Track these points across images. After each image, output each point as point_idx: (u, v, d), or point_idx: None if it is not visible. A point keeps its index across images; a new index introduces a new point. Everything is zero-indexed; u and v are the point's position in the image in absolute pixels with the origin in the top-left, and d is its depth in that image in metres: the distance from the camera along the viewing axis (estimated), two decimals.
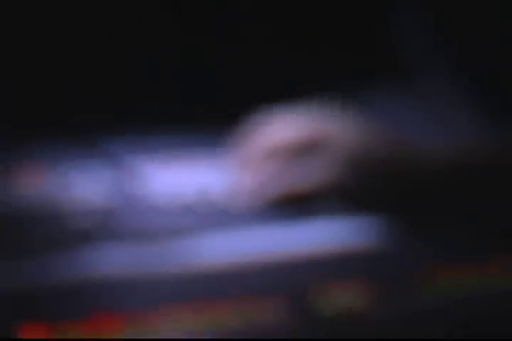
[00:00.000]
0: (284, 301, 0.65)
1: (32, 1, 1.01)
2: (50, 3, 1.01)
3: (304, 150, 0.81)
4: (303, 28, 1.08)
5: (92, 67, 0.96)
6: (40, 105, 0.90)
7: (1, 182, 0.79)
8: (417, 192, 0.81)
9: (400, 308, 0.67)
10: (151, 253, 0.70)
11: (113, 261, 0.68)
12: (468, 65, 1.06)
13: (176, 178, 0.82)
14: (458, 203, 0.80)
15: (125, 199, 0.77)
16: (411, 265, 0.71)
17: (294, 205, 0.80)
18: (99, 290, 0.65)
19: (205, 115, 0.93)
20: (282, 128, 0.83)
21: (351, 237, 0.75)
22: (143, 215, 0.76)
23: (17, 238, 0.70)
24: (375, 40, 1.08)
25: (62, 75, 0.95)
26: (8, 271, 0.65)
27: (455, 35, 1.07)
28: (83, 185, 0.79)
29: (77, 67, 0.96)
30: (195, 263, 0.69)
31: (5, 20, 0.98)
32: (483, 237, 0.75)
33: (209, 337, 0.62)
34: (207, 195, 0.80)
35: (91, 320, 0.61)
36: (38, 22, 1.00)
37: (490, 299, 0.69)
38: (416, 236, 0.75)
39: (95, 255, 0.68)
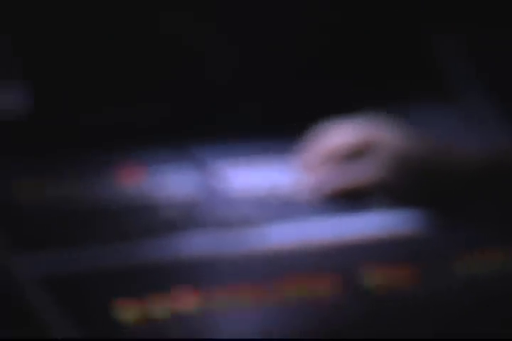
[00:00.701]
0: (337, 279, 0.74)
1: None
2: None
3: (357, 153, 0.93)
4: (357, 50, 1.17)
5: (183, 85, 1.09)
6: (142, 119, 1.03)
7: (107, 180, 0.89)
8: (455, 188, 0.92)
9: (438, 286, 0.75)
10: (228, 239, 0.79)
11: (196, 245, 0.78)
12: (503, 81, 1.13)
13: (251, 177, 0.93)
14: (490, 197, 0.91)
15: (208, 194, 0.88)
16: (448, 248, 0.80)
17: (348, 199, 0.92)
18: (183, 269, 0.74)
19: (279, 125, 1.05)
20: (339, 134, 0.95)
21: (397, 225, 0.85)
22: (222, 207, 0.86)
23: (119, 225, 0.80)
24: (421, 59, 1.16)
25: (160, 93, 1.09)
26: (110, 252, 0.74)
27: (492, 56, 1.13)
28: (174, 183, 0.89)
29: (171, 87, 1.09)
30: (265, 247, 0.78)
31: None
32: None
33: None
34: (278, 191, 0.91)
35: (174, 294, 0.69)
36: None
37: None
38: (451, 223, 0.85)
39: (181, 240, 0.78)
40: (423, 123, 1.09)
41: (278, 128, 1.04)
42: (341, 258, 0.78)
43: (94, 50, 1.09)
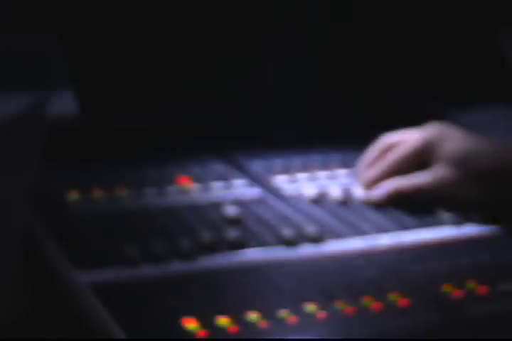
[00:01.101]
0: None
1: None
2: None
3: (418, 155, 0.95)
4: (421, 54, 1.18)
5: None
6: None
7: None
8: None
9: None
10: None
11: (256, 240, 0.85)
12: None
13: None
14: None
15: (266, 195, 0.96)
16: None
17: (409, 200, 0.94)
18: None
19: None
20: (400, 136, 0.98)
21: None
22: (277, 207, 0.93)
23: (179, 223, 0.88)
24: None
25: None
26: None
27: None
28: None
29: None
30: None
31: None
32: None
33: None
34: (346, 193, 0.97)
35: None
36: None
37: None
38: None
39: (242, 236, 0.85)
40: (491, 126, 1.11)
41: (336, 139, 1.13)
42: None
43: (146, 60, 1.12)
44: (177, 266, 0.79)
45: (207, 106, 1.15)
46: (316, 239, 0.84)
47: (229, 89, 1.16)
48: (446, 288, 0.76)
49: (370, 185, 0.97)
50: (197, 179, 1.00)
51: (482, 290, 0.76)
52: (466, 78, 1.18)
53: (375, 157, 0.99)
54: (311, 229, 0.85)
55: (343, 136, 1.14)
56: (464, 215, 0.90)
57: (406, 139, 0.98)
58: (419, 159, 0.96)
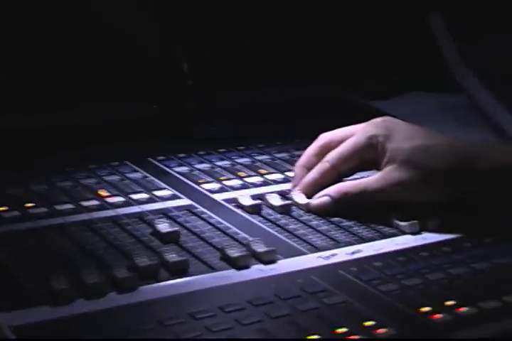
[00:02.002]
0: None
1: None
2: None
3: (361, 154, 0.85)
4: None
5: None
6: None
7: None
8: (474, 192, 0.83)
9: None
10: None
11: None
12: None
13: None
14: None
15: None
16: None
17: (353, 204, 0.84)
18: None
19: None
20: (340, 133, 0.88)
21: None
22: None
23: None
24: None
25: None
26: None
27: None
28: None
29: None
30: None
31: None
32: None
33: None
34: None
35: None
36: None
37: None
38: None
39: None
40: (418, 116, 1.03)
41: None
42: None
43: None
44: (114, 299, 0.68)
45: (119, 108, 1.04)
46: (268, 259, 0.75)
47: (146, 89, 1.05)
48: (424, 311, 0.68)
49: (311, 189, 0.88)
50: (115, 190, 0.88)
51: (462, 310, 0.68)
52: (392, 69, 1.12)
53: (313, 157, 0.89)
54: (260, 247, 0.75)
55: (268, 135, 1.05)
56: (421, 221, 0.82)
57: (347, 137, 0.88)
58: (362, 158, 0.86)
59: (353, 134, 0.87)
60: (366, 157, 0.86)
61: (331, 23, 1.16)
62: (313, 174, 0.88)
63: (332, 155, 0.87)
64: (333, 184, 0.86)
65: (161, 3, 1.08)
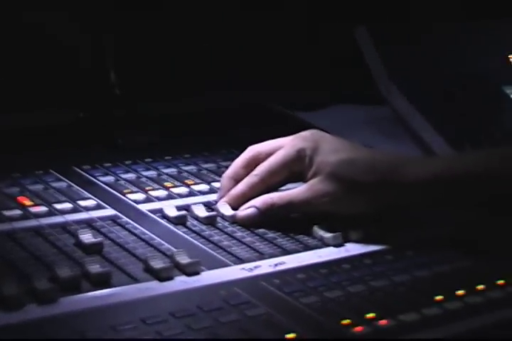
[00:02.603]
0: None
1: None
2: None
3: (289, 167, 0.86)
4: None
5: None
6: None
7: None
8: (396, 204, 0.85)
9: None
10: None
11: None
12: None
13: None
14: None
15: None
16: None
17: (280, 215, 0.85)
18: None
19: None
20: (269, 146, 0.89)
21: None
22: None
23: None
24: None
25: None
26: None
27: None
28: None
29: None
30: None
31: None
32: None
33: None
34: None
35: None
36: None
37: None
38: None
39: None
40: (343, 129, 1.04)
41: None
42: None
43: None
44: (34, 311, 0.67)
45: (45, 115, 1.03)
46: (191, 271, 0.74)
47: (72, 97, 1.04)
48: (345, 323, 0.68)
49: (238, 201, 0.88)
50: (39, 199, 0.87)
51: (383, 322, 0.69)
52: (318, 80, 1.13)
53: (241, 169, 0.89)
54: (183, 258, 0.75)
55: (195, 144, 1.05)
56: (344, 233, 0.83)
57: (275, 149, 0.88)
58: (290, 171, 0.87)
59: (281, 147, 0.88)
60: (294, 169, 0.87)
61: (257, 32, 1.17)
62: (241, 186, 0.88)
63: (261, 169, 0.87)
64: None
65: (93, 14, 1.07)
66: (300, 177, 0.87)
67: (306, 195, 0.85)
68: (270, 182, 0.87)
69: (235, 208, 0.87)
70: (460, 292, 0.74)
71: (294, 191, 0.86)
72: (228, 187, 0.89)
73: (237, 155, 0.91)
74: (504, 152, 0.87)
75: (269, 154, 0.88)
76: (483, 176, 0.84)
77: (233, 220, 0.86)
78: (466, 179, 0.84)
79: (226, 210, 0.87)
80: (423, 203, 0.86)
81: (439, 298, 0.72)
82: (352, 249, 0.81)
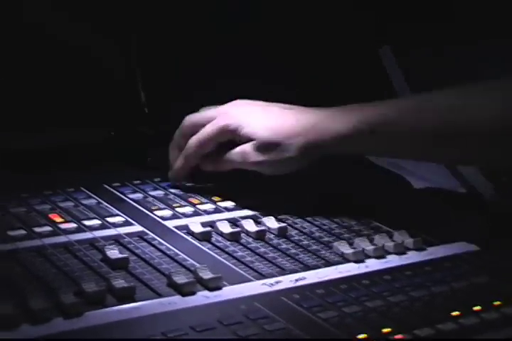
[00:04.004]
0: None
1: None
2: None
3: (213, 140, 0.96)
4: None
5: None
6: None
7: None
8: None
9: None
10: None
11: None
12: None
13: None
14: None
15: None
16: None
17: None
18: None
19: None
20: (202, 116, 0.98)
21: None
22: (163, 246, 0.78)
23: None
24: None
25: None
26: None
27: None
28: None
29: None
30: None
31: None
32: None
33: None
34: None
35: None
36: None
37: None
38: None
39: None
40: None
41: None
42: None
43: None
44: (61, 325, 0.69)
45: (76, 134, 1.06)
46: (213, 286, 0.77)
47: (102, 116, 1.08)
48: (362, 338, 0.70)
49: (181, 173, 0.99)
50: (69, 216, 0.90)
51: (399, 337, 0.70)
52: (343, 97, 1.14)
53: (181, 139, 0.99)
54: (206, 274, 0.77)
55: None
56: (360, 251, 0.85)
57: (208, 121, 0.97)
58: (218, 142, 0.96)
59: (212, 117, 0.97)
60: (222, 141, 0.96)
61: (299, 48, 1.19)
62: (179, 160, 0.99)
63: (192, 143, 0.97)
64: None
65: (124, 37, 1.11)
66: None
67: (238, 162, 0.95)
68: (202, 153, 0.97)
69: (181, 179, 0.99)
70: (477, 308, 0.75)
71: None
72: (175, 158, 0.99)
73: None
74: (421, 104, 0.91)
75: (202, 125, 0.97)
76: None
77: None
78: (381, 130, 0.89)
79: (250, 227, 0.89)
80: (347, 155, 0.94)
81: (455, 313, 0.74)
82: (372, 264, 0.83)
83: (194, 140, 0.97)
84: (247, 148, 0.94)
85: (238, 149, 0.94)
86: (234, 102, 0.98)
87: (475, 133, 0.87)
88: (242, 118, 0.94)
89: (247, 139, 0.93)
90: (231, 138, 0.95)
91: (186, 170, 0.98)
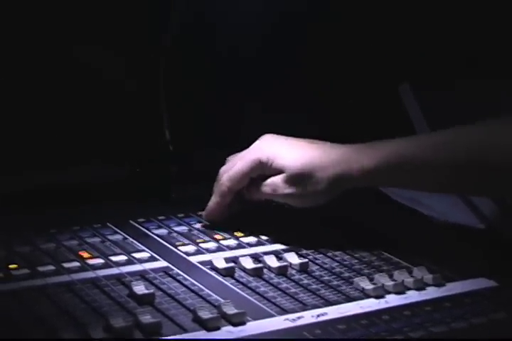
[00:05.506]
0: None
1: None
2: None
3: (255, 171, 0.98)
4: None
5: None
6: None
7: None
8: None
9: None
10: None
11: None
12: None
13: None
14: None
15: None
16: None
17: None
18: None
19: None
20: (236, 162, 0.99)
21: None
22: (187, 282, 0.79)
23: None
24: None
25: None
26: None
27: None
28: None
29: None
30: None
31: None
32: None
33: None
34: None
35: None
36: None
37: None
38: None
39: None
40: None
41: None
42: None
43: None
44: None
45: (96, 168, 1.08)
46: (237, 321, 0.79)
47: (128, 153, 1.11)
48: None
49: (214, 211, 1.01)
50: (96, 252, 0.92)
51: None
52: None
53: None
54: (230, 309, 0.79)
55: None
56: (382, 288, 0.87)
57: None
58: (255, 173, 0.98)
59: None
60: (254, 175, 0.98)
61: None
62: (213, 198, 1.01)
63: (224, 179, 0.99)
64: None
65: (149, 76, 1.14)
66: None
67: (268, 193, 0.98)
68: (236, 189, 0.99)
69: (216, 218, 1.01)
70: None
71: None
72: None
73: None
74: (436, 138, 0.94)
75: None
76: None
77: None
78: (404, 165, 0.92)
79: (272, 262, 0.91)
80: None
81: None
82: (392, 300, 0.85)
83: (226, 176, 0.99)
84: (277, 180, 0.96)
85: (269, 181, 0.97)
86: (263, 137, 1.00)
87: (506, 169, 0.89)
88: (272, 152, 0.97)
89: (278, 172, 0.96)
90: (261, 172, 0.97)
91: (221, 208, 1.00)
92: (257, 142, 1.00)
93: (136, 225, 1.01)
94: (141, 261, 0.90)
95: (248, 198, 1.00)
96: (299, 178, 0.95)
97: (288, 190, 0.95)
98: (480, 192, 0.95)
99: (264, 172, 0.97)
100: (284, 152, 0.96)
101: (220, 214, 1.00)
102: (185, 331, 0.77)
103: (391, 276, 0.88)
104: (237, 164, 0.99)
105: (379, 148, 0.93)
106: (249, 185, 0.99)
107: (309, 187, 0.94)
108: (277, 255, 0.93)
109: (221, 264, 0.89)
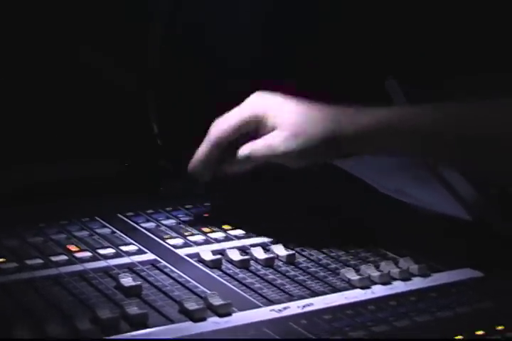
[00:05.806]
0: None
1: None
2: None
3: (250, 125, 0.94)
4: None
5: None
6: None
7: None
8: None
9: None
10: None
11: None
12: None
13: None
14: None
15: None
16: None
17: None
18: None
19: None
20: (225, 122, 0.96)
21: None
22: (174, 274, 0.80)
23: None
24: None
25: None
26: None
27: None
28: None
29: None
30: None
31: None
32: None
33: None
34: None
35: None
36: None
37: None
38: None
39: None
40: None
41: None
42: None
43: None
44: None
45: (91, 165, 1.09)
46: (223, 312, 0.79)
47: (117, 147, 1.11)
48: None
49: (199, 167, 0.96)
50: (84, 245, 0.93)
51: None
52: None
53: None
54: (216, 300, 0.80)
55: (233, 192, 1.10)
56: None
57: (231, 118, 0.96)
58: (247, 129, 0.95)
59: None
60: (244, 131, 0.95)
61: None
62: (200, 149, 0.96)
63: (215, 131, 0.96)
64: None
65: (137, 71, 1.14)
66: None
67: (266, 155, 0.93)
68: (224, 142, 0.95)
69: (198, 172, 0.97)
70: (480, 332, 0.77)
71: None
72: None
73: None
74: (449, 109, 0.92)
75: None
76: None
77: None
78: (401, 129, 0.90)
79: (259, 254, 0.91)
80: (371, 152, 0.96)
81: (458, 337, 0.76)
82: (378, 291, 0.85)
83: (217, 127, 0.96)
84: (273, 139, 0.93)
85: (263, 141, 0.93)
86: (257, 93, 0.97)
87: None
88: (267, 107, 0.94)
89: (270, 129, 0.93)
90: (253, 127, 0.94)
91: (206, 160, 0.96)
92: (251, 97, 0.96)
93: (125, 219, 1.01)
94: (128, 253, 0.91)
95: (237, 169, 0.95)
96: (297, 134, 0.91)
97: (286, 148, 0.92)
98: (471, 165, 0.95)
99: (257, 128, 0.94)
100: (280, 109, 0.93)
101: (204, 168, 0.96)
102: (172, 322, 0.77)
103: (377, 267, 0.89)
104: (230, 116, 0.95)
105: (377, 110, 0.92)
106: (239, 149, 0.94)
107: (307, 142, 0.91)
108: (264, 247, 0.93)
109: (208, 256, 0.90)
